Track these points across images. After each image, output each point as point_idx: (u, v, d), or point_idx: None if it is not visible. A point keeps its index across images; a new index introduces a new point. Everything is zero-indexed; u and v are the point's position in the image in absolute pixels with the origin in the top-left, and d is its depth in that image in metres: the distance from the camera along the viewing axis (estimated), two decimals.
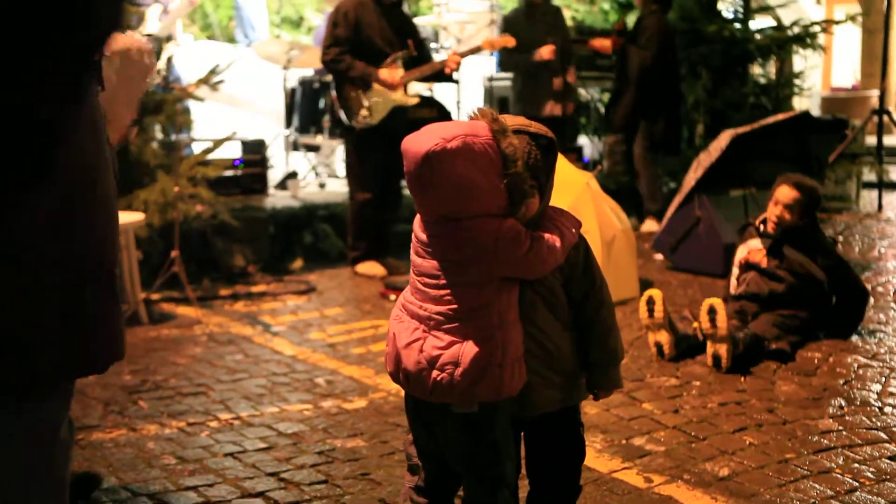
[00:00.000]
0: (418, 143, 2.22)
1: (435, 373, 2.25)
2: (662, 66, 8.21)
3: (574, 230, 2.40)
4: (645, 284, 6.19)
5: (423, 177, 2.21)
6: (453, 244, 2.26)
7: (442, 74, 7.06)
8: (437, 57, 7.67)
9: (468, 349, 2.24)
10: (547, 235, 2.31)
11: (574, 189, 5.88)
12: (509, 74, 9.01)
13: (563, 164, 6.15)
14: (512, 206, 2.28)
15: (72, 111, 1.72)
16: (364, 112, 6.53)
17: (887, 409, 4.04)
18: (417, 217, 2.39)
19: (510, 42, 7.44)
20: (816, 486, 3.28)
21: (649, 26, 8.20)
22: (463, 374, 2.23)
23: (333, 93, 6.86)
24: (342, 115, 6.65)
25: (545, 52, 7.97)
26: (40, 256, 1.80)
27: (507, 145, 2.24)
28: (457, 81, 8.55)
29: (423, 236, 2.33)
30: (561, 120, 7.99)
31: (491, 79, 10.01)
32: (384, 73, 6.52)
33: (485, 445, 2.34)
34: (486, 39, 7.48)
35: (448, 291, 2.27)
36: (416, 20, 11.02)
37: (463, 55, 7.04)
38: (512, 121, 2.34)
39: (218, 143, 6.29)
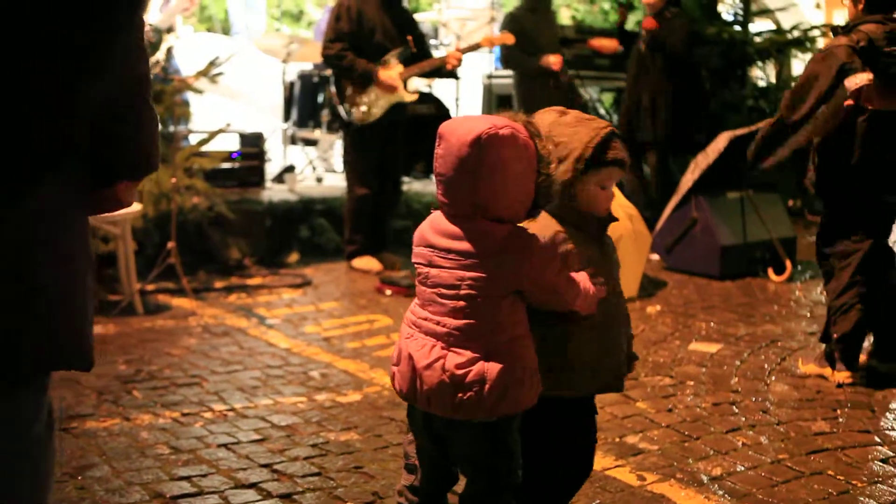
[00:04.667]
0: (466, 126, 2.23)
1: (461, 392, 2.24)
2: (688, 67, 8.02)
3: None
4: (642, 284, 6.20)
5: (468, 159, 2.20)
6: (476, 246, 2.24)
7: (443, 71, 7.06)
8: (437, 53, 7.66)
9: (493, 367, 2.23)
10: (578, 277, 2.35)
11: None
12: (509, 72, 9.01)
13: None
14: (535, 209, 2.31)
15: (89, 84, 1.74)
16: (363, 108, 6.52)
17: (879, 412, 4.05)
18: (427, 225, 2.36)
19: (509, 39, 7.42)
20: (809, 487, 3.29)
21: (677, 29, 7.83)
22: (489, 392, 2.23)
23: (332, 87, 6.85)
24: (341, 110, 6.65)
25: (554, 62, 7.94)
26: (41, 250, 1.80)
27: (543, 147, 2.27)
28: (458, 78, 8.54)
29: (442, 241, 2.30)
30: None
31: (490, 76, 10.01)
32: (384, 74, 6.51)
33: (501, 454, 2.35)
34: (486, 36, 7.48)
35: (466, 304, 2.25)
36: (416, 16, 11.03)
37: (463, 52, 7.04)
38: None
39: (213, 135, 6.27)
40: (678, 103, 7.77)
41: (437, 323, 2.29)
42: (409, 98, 6.70)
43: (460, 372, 2.23)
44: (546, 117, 2.48)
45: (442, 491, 2.53)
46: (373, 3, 6.59)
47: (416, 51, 6.75)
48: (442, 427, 2.36)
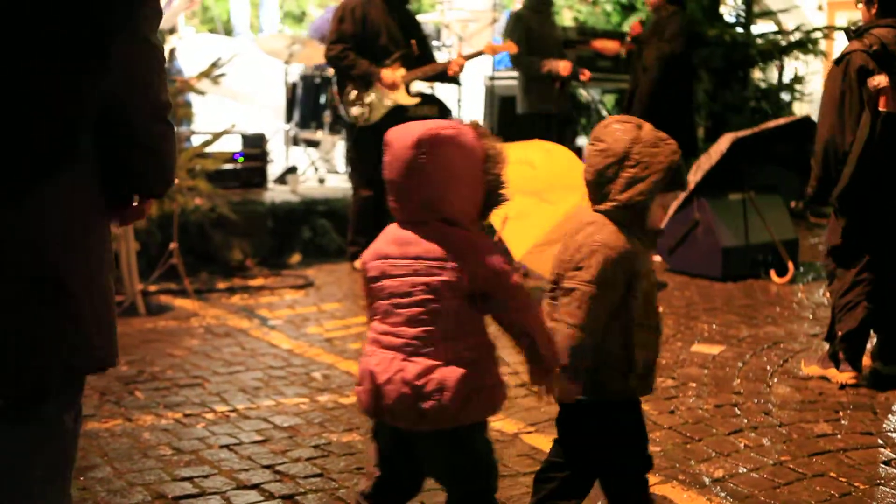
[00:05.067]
0: (409, 129, 2.24)
1: (423, 402, 2.19)
2: (683, 65, 8.09)
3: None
4: None
5: (412, 160, 2.21)
6: (428, 250, 2.21)
7: (445, 76, 7.05)
8: (440, 56, 7.66)
9: (453, 373, 2.19)
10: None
11: (581, 188, 5.81)
12: (510, 74, 9.00)
13: (572, 162, 6.16)
14: (484, 210, 2.31)
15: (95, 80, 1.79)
16: (363, 110, 6.53)
17: (882, 414, 4.05)
18: (380, 238, 2.33)
19: (512, 49, 7.46)
20: (811, 489, 3.28)
21: (672, 25, 7.96)
22: (451, 400, 2.18)
23: (335, 88, 6.85)
24: (343, 111, 6.65)
25: (563, 68, 7.94)
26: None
27: (492, 147, 2.29)
28: (459, 83, 8.52)
29: (395, 249, 2.27)
30: (555, 116, 8.05)
31: (492, 78, 10.00)
32: (386, 73, 6.51)
33: (474, 462, 2.32)
34: (489, 44, 7.49)
35: (422, 311, 2.21)
36: (418, 17, 11.04)
37: (467, 58, 7.04)
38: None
39: (217, 136, 6.27)
40: (666, 102, 7.88)
41: (396, 335, 2.25)
42: (411, 102, 6.70)
43: (420, 381, 2.19)
44: (626, 134, 2.50)
45: (395, 499, 2.44)
46: (378, 5, 6.58)
47: (420, 54, 6.75)
48: (411, 440, 2.31)
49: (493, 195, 2.31)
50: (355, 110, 6.55)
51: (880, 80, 4.18)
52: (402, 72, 6.60)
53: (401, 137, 2.25)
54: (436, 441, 2.28)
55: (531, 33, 7.87)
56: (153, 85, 1.93)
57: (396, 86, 6.54)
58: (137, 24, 1.87)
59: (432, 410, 2.19)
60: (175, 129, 2.05)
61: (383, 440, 2.38)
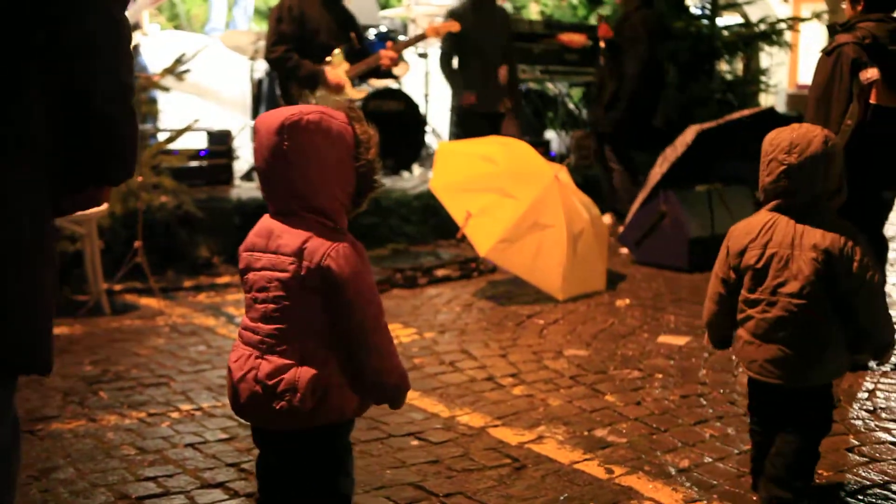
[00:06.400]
0: (273, 115, 2.16)
1: (275, 402, 2.13)
2: (654, 62, 8.10)
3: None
4: (611, 278, 6.22)
5: (277, 147, 2.12)
6: (285, 243, 2.14)
7: (380, 71, 6.88)
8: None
9: (305, 373, 2.12)
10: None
11: (541, 181, 5.89)
12: None
13: (532, 156, 6.17)
14: (357, 198, 2.24)
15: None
16: None
17: (846, 402, 4.08)
18: (249, 235, 2.25)
19: (454, 27, 7.34)
20: None
21: (637, 23, 7.97)
22: (303, 400, 2.11)
23: (278, 90, 6.74)
24: None
25: (466, 100, 7.84)
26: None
27: (363, 132, 2.21)
28: (396, 77, 8.38)
29: (259, 241, 2.20)
30: (501, 115, 8.01)
31: None
32: (332, 73, 6.40)
33: (326, 466, 2.25)
34: (431, 26, 7.34)
35: (276, 307, 2.15)
36: (384, 12, 11.00)
37: (402, 48, 6.92)
38: None
39: (181, 132, 6.22)
40: (644, 100, 7.89)
41: (254, 331, 2.20)
42: (357, 96, 6.63)
43: (272, 381, 2.13)
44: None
45: None
46: (314, 2, 6.48)
47: (360, 48, 6.66)
48: (271, 439, 2.25)
49: (365, 182, 2.23)
50: None
51: (873, 73, 4.20)
52: (345, 67, 6.50)
53: (266, 123, 2.16)
54: (293, 444, 2.21)
55: (465, 32, 7.67)
56: (114, 63, 1.82)
57: (342, 87, 6.46)
58: (96, 21, 1.78)
59: (283, 411, 2.13)
60: (136, 115, 1.96)
61: (254, 439, 2.33)
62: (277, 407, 2.13)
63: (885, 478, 3.30)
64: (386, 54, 6.72)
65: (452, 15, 8.00)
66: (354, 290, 2.12)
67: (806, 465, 3.02)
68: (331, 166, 2.16)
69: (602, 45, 8.07)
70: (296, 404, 2.12)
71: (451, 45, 7.90)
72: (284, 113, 2.15)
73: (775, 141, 2.96)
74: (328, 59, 6.45)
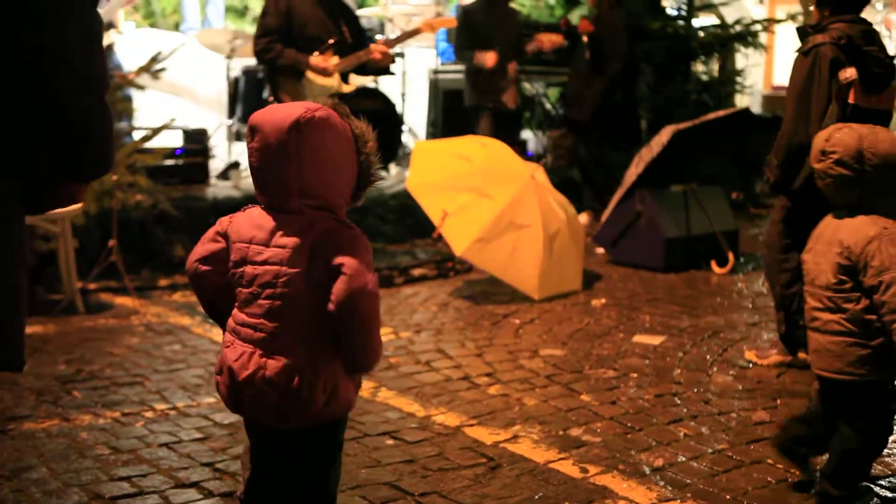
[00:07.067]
0: (280, 113, 2.14)
1: (287, 401, 2.12)
2: (630, 61, 8.21)
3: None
4: (587, 278, 6.24)
5: (288, 145, 2.10)
6: (294, 238, 2.12)
7: (370, 66, 6.80)
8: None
9: (317, 369, 2.12)
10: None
11: (518, 181, 5.91)
12: (456, 67, 8.98)
13: (509, 156, 6.18)
14: (357, 192, 2.25)
15: None
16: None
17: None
18: (244, 220, 2.21)
19: (451, 23, 7.40)
20: (748, 476, 3.33)
21: (613, 22, 8.07)
22: (317, 396, 2.12)
23: (266, 92, 6.69)
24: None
25: (489, 59, 7.90)
26: None
27: (357, 126, 2.22)
28: (392, 73, 8.40)
29: (261, 235, 2.16)
30: (510, 112, 8.08)
31: (437, 72, 9.99)
32: (315, 59, 6.33)
33: (331, 459, 2.27)
34: (426, 21, 7.31)
35: (283, 303, 2.12)
36: (361, 11, 10.96)
37: (392, 43, 6.89)
38: None
39: (156, 131, 6.19)
40: (603, 90, 8.02)
41: (255, 327, 2.15)
42: (346, 90, 6.57)
43: (284, 380, 2.11)
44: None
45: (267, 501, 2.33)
46: None
47: (354, 42, 6.59)
48: (275, 436, 2.24)
49: (365, 176, 2.24)
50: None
51: (851, 73, 4.22)
52: (335, 60, 6.44)
53: (272, 121, 2.13)
54: (301, 440, 2.21)
55: (475, 27, 7.85)
56: (84, 54, 1.77)
57: (328, 71, 6.39)
58: (66, 18, 1.75)
59: (297, 410, 2.13)
60: (110, 110, 1.91)
61: (252, 439, 2.32)
62: (291, 406, 2.12)
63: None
64: (376, 48, 6.60)
65: (466, 11, 8.04)
66: (372, 281, 2.11)
67: (854, 464, 3.07)
68: (341, 162, 2.18)
69: (585, 39, 8.15)
70: (311, 402, 2.12)
71: (464, 40, 7.93)
72: (294, 111, 2.12)
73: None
74: (316, 52, 6.36)
